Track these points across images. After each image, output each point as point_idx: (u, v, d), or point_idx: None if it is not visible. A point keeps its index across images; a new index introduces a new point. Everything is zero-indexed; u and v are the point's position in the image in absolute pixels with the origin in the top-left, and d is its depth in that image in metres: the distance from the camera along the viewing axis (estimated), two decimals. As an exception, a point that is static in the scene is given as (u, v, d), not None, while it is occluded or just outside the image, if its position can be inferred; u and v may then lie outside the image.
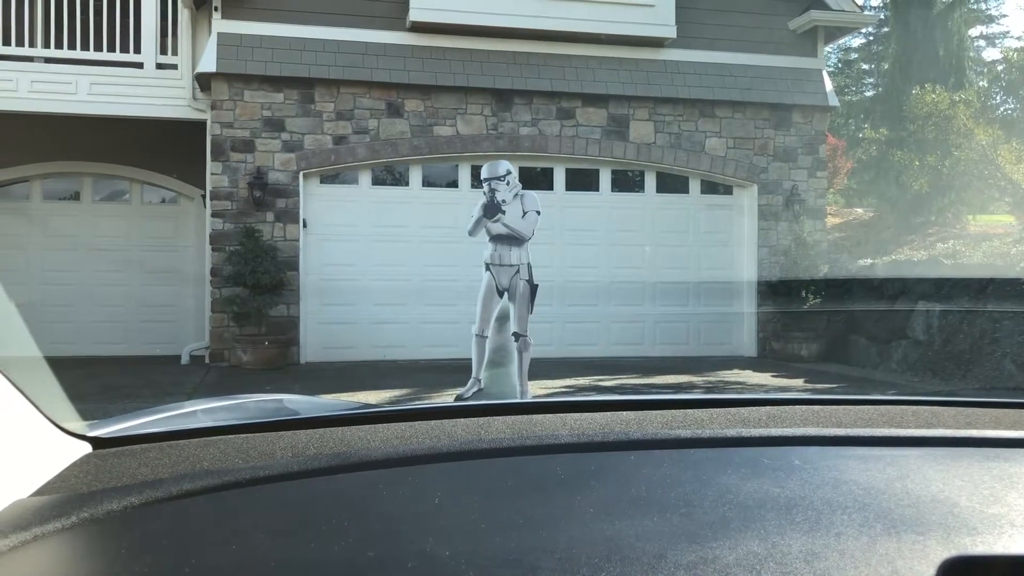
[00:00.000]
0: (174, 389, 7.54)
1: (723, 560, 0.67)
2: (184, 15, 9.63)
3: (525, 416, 1.14)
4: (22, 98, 9.28)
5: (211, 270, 9.42)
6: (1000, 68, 18.60)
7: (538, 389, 7.20)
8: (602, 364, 9.71)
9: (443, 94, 9.94)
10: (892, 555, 0.68)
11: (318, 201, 9.80)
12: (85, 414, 1.29)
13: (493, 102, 10.08)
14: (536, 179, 10.24)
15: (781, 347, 10.34)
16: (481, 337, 6.34)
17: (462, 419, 1.11)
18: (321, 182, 9.89)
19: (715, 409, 1.19)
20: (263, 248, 9.13)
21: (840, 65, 28.28)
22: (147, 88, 9.60)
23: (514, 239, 6.24)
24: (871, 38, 27.26)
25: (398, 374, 8.63)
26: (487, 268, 6.33)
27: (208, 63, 9.27)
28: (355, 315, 9.78)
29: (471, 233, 6.41)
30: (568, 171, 10.51)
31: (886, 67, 21.91)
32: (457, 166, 10.24)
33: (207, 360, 9.42)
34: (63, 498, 0.80)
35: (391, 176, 10.23)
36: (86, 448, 0.99)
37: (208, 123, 9.61)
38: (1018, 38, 30.30)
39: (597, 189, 10.60)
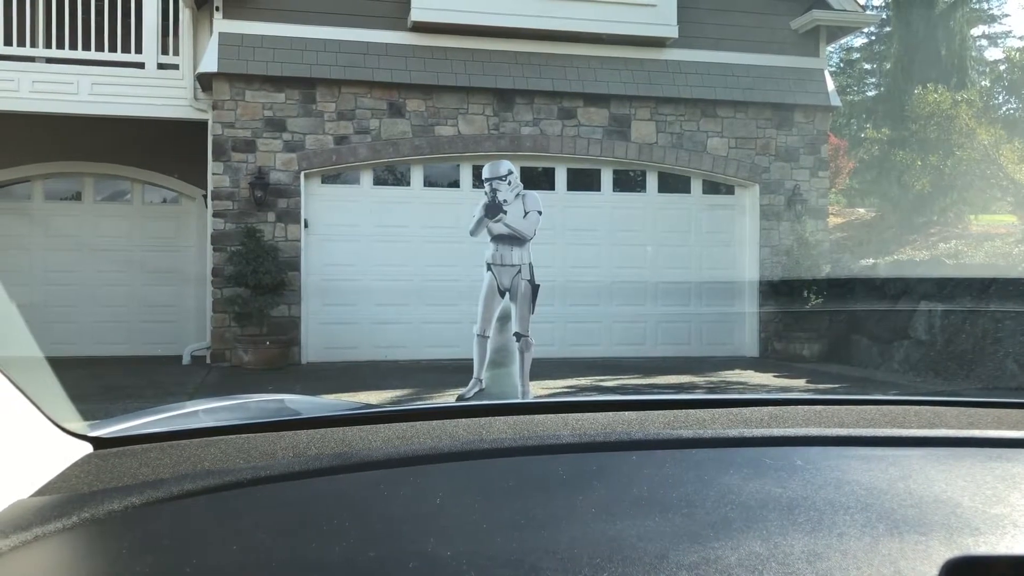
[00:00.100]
0: (175, 389, 7.54)
1: (725, 560, 0.67)
2: (185, 15, 9.64)
3: (527, 416, 1.13)
4: (23, 98, 9.29)
5: (212, 270, 9.42)
6: (1002, 68, 18.58)
7: (540, 389, 7.20)
8: (604, 364, 9.70)
9: (445, 94, 9.94)
10: (895, 555, 0.68)
11: (319, 201, 9.81)
12: (86, 414, 1.29)
13: (495, 102, 10.07)
14: (538, 179, 10.24)
15: (783, 347, 10.33)
16: (483, 337, 6.33)
17: (464, 419, 1.11)
18: (322, 182, 9.89)
19: (717, 409, 1.18)
20: (264, 248, 9.14)
21: (842, 65, 28.26)
22: (148, 88, 9.61)
23: (516, 239, 6.23)
24: (873, 38, 27.24)
25: (399, 374, 8.63)
26: (488, 268, 6.32)
27: (209, 63, 9.28)
28: (356, 315, 9.78)
29: (473, 233, 6.40)
30: (570, 171, 10.50)
31: (888, 67, 21.92)
32: (459, 166, 10.24)
33: (208, 360, 9.43)
34: (64, 498, 0.80)
35: (392, 176, 10.23)
36: (87, 448, 0.99)
37: (209, 123, 9.62)
38: (1020, 38, 30.30)
39: (599, 189, 10.60)
